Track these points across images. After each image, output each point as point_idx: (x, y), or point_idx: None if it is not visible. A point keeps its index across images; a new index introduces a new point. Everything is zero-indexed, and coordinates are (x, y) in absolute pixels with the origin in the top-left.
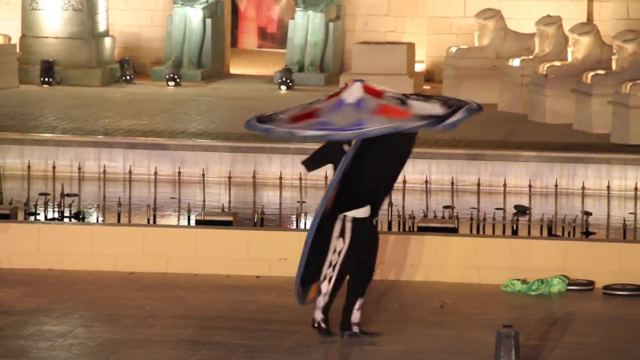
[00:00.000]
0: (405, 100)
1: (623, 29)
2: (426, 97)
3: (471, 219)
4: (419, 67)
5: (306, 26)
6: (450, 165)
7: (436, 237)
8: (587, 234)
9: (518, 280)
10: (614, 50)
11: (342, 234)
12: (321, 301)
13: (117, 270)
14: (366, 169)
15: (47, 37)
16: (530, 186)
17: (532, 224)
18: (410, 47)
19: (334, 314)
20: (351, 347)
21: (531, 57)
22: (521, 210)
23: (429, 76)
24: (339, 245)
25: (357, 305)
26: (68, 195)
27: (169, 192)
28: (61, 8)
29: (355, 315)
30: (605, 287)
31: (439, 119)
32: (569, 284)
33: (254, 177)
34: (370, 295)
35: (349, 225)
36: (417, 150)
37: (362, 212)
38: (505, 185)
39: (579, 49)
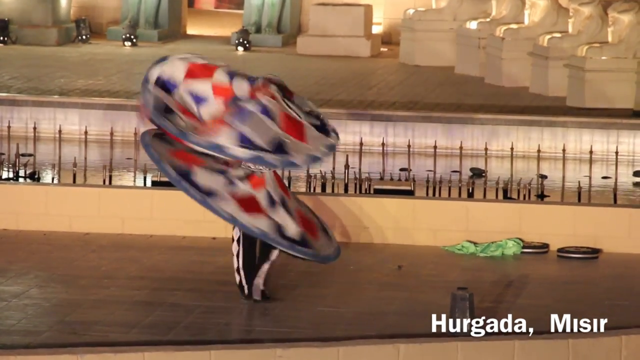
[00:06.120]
0: (292, 108)
1: None
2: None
3: (427, 181)
4: (377, 29)
5: None
6: (406, 127)
7: (392, 200)
8: (542, 197)
9: (470, 242)
10: (571, 14)
11: None
12: (235, 262)
13: (72, 230)
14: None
15: None
16: (486, 149)
17: (488, 187)
18: (368, 8)
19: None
20: (305, 309)
21: (488, 19)
22: (477, 173)
23: (386, 38)
24: None
25: (259, 271)
26: (23, 155)
27: (125, 153)
28: None
29: (258, 281)
30: (560, 250)
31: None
32: (523, 247)
33: None
34: None
35: None
36: (374, 113)
37: None
38: (461, 147)
39: (535, 11)
